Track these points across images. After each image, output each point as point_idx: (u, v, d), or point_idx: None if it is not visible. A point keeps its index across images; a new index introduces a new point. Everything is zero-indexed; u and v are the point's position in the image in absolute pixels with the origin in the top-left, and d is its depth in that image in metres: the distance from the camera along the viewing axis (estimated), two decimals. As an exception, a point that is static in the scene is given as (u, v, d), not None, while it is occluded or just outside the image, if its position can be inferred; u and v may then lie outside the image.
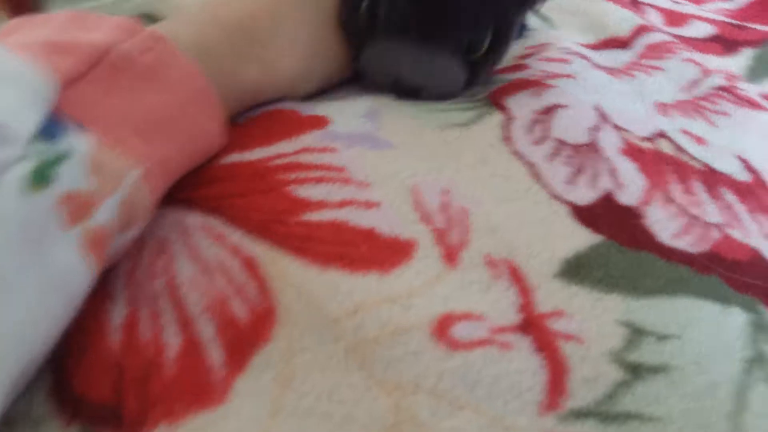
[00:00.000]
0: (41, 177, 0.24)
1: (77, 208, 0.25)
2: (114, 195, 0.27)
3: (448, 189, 0.36)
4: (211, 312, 0.29)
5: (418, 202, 0.35)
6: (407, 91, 0.43)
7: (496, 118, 0.42)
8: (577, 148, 0.41)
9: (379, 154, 0.38)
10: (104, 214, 0.26)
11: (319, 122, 0.39)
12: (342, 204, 0.34)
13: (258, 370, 0.27)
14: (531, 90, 0.46)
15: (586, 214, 0.37)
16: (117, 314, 0.29)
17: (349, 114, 0.41)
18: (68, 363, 0.27)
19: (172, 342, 0.28)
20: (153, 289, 0.30)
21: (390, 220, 0.34)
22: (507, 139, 0.41)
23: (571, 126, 0.43)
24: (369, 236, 0.33)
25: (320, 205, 0.34)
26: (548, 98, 0.46)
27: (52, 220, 0.24)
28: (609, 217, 0.38)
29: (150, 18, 0.46)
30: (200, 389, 0.27)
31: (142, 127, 0.30)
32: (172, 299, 0.29)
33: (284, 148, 0.37)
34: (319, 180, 0.35)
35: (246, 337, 0.28)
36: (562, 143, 0.41)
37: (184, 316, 0.29)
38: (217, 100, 0.35)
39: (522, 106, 0.44)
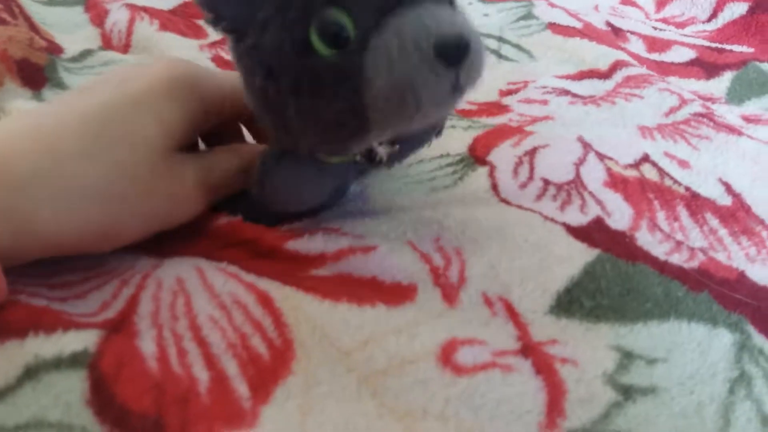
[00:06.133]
0: None
1: None
2: None
3: (438, 236, 0.39)
4: (233, 350, 0.31)
5: (414, 247, 0.38)
6: (457, 50, 0.28)
7: (480, 171, 0.45)
8: (561, 186, 0.44)
9: (369, 220, 0.40)
10: None
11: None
12: (339, 254, 0.37)
13: (281, 401, 0.29)
14: (511, 139, 0.49)
15: (580, 232, 0.40)
16: (147, 349, 0.30)
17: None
18: (107, 374, 0.28)
19: (202, 377, 0.30)
20: (177, 331, 0.32)
21: (389, 266, 0.36)
22: (494, 187, 0.44)
23: (555, 164, 0.46)
24: (371, 284, 0.35)
25: (321, 258, 0.36)
26: (529, 142, 0.48)
27: None
28: (603, 235, 0.40)
29: None
30: (233, 414, 0.28)
31: None
32: (196, 339, 0.31)
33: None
34: (313, 232, 0.38)
35: (268, 372, 0.30)
36: (547, 182, 0.44)
37: (209, 354, 0.31)
38: None
39: (503, 155, 0.47)
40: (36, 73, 0.54)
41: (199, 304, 0.33)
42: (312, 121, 0.31)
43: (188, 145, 0.36)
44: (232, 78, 0.36)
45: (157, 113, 0.33)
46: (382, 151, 0.36)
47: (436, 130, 0.39)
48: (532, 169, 0.45)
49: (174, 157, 0.34)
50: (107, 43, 0.64)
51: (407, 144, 0.37)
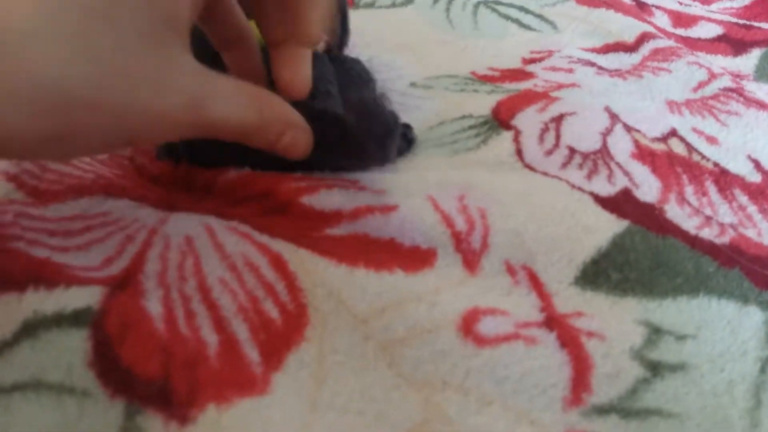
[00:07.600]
0: None
1: None
2: None
3: (463, 194, 0.37)
4: (243, 314, 0.30)
5: (436, 206, 0.36)
6: None
7: (504, 135, 0.44)
8: (588, 155, 0.42)
9: (391, 175, 0.39)
10: None
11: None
12: (357, 213, 0.35)
13: (294, 368, 0.28)
14: (537, 104, 0.47)
15: (609, 203, 0.38)
16: (154, 310, 0.29)
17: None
18: (111, 335, 0.27)
19: (211, 340, 0.28)
20: (185, 292, 0.30)
21: (409, 228, 0.35)
22: (519, 152, 0.42)
23: (582, 132, 0.44)
24: (389, 246, 0.34)
25: (338, 216, 0.35)
26: (555, 109, 0.47)
27: None
28: (632, 206, 0.39)
29: None
30: (244, 380, 0.27)
31: None
32: (206, 302, 0.30)
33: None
34: (330, 186, 0.36)
35: (280, 338, 0.29)
36: (573, 150, 0.43)
37: (218, 317, 0.29)
38: None
39: (529, 120, 0.45)
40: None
41: (208, 264, 0.32)
42: None
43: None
44: None
45: None
46: None
47: None
48: (558, 137, 0.44)
49: (166, 36, 0.25)
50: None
51: None
